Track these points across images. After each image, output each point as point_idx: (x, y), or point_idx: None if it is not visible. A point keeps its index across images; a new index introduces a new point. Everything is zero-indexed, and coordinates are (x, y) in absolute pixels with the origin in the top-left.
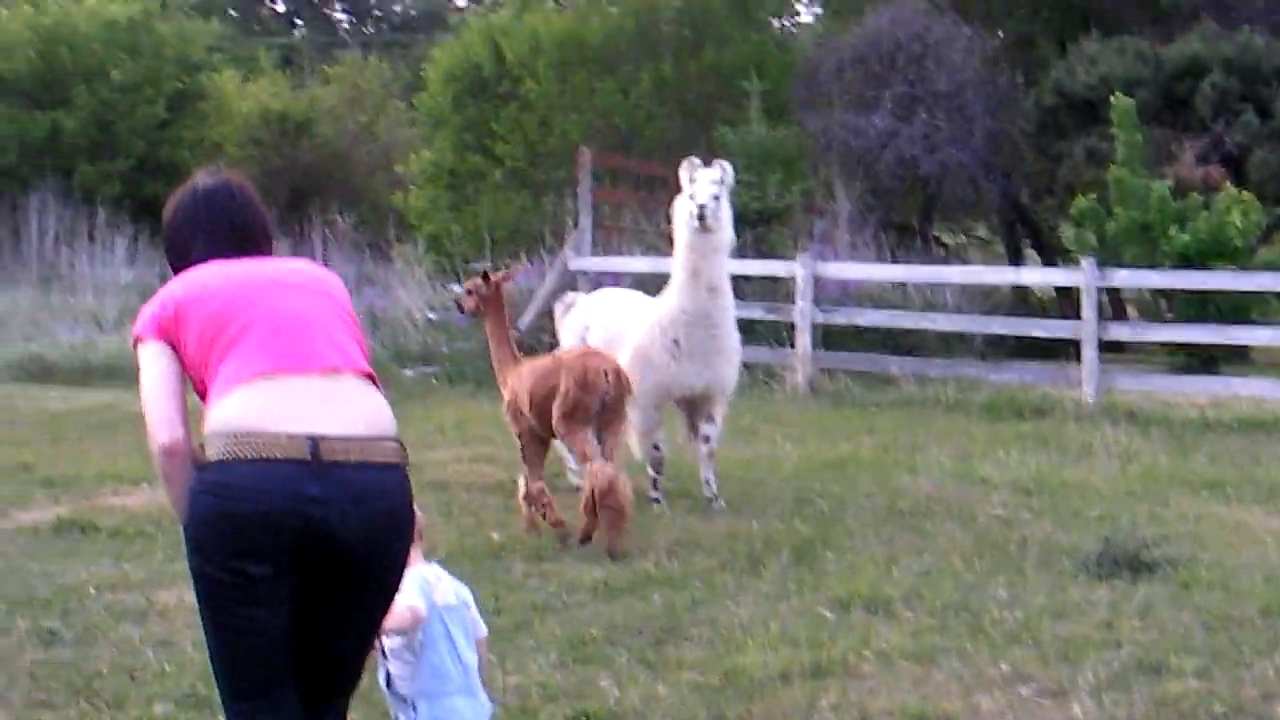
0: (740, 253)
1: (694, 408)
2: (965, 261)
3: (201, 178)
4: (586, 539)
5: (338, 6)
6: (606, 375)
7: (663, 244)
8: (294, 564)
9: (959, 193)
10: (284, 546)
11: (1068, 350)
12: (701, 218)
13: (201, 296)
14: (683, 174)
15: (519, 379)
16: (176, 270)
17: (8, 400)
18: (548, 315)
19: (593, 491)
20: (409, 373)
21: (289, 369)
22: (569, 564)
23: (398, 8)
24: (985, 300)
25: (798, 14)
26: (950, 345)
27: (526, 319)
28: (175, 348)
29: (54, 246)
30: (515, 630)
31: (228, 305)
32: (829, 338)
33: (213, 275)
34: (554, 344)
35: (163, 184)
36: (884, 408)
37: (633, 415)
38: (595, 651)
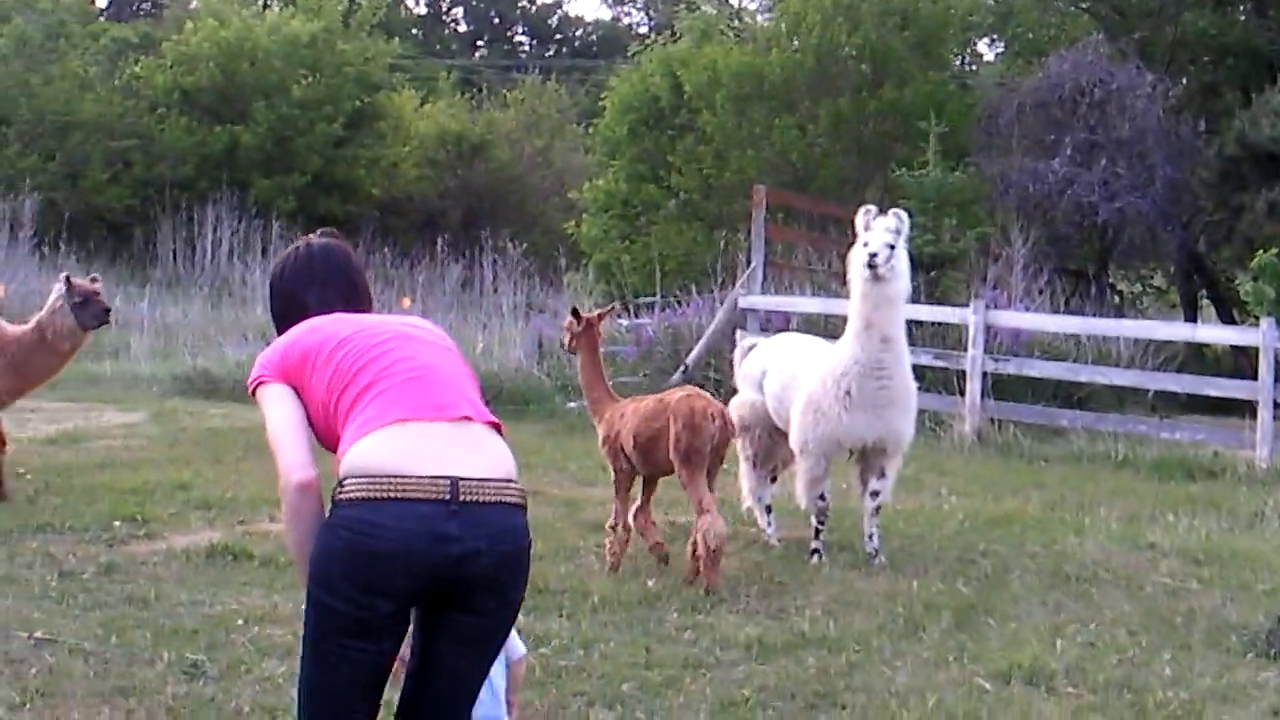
0: (913, 297)
1: (865, 461)
2: (1140, 310)
3: (312, 238)
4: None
5: (520, 29)
6: (713, 418)
7: (834, 284)
8: (416, 601)
9: (1137, 241)
10: (415, 584)
11: (1241, 409)
12: (873, 266)
13: (329, 344)
14: (859, 221)
15: (621, 418)
16: (281, 324)
17: (171, 416)
18: (716, 352)
19: (704, 545)
20: (572, 405)
21: (425, 416)
22: (723, 617)
23: (579, 32)
24: (1160, 353)
25: (980, 54)
26: (1122, 399)
27: (694, 355)
28: (298, 391)
29: (227, 260)
30: (665, 686)
31: (360, 354)
32: (998, 387)
33: (338, 324)
34: (720, 382)
35: (338, 200)
36: (1052, 461)
37: (801, 464)
38: (745, 715)
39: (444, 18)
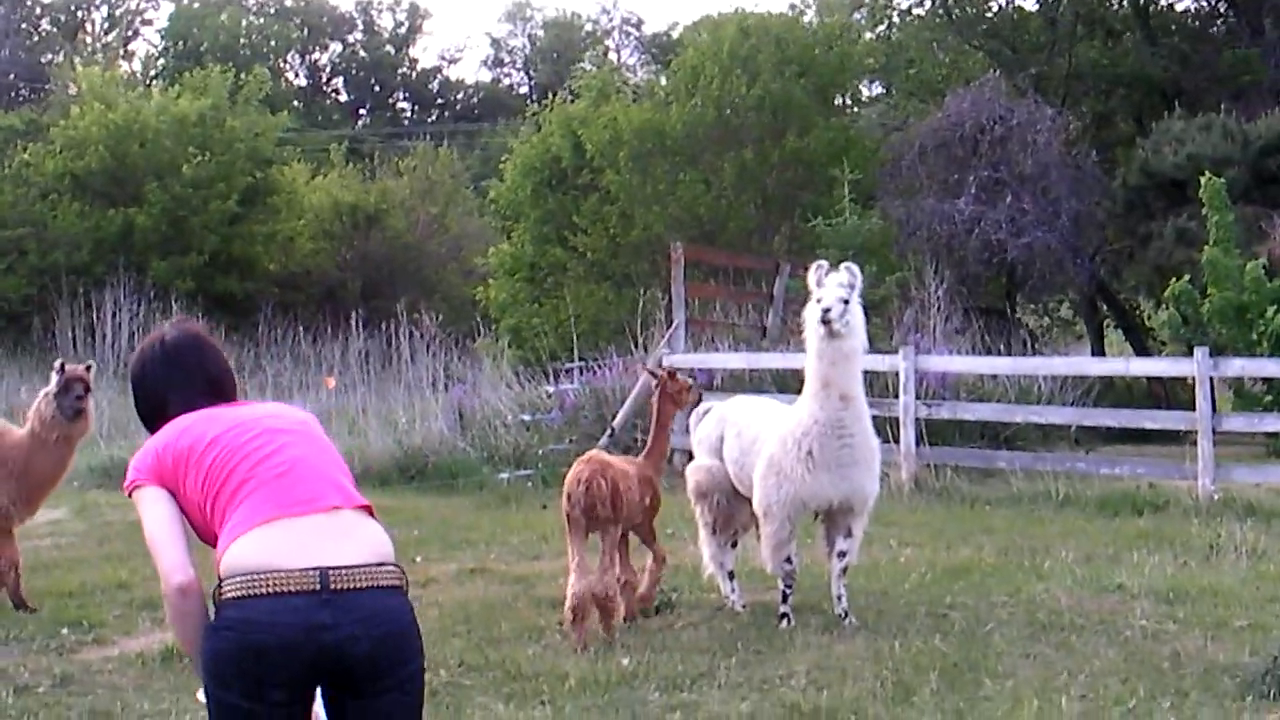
0: None
1: (831, 521)
2: (1048, 344)
3: (167, 330)
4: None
5: (401, 95)
6: (580, 482)
7: (755, 338)
8: (309, 689)
9: (1046, 275)
10: (299, 673)
11: (1165, 438)
12: (828, 322)
13: (199, 445)
14: (810, 278)
15: None
16: (149, 423)
17: (94, 509)
18: (642, 414)
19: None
20: (504, 476)
21: (294, 511)
22: (706, 693)
23: (460, 95)
24: (1077, 386)
25: (860, 97)
26: (1046, 435)
27: (620, 418)
28: (174, 493)
29: (128, 344)
30: None
31: (229, 455)
32: (926, 431)
33: (206, 423)
34: (643, 444)
35: (235, 278)
36: (994, 504)
37: (766, 527)
38: None
39: (324, 88)
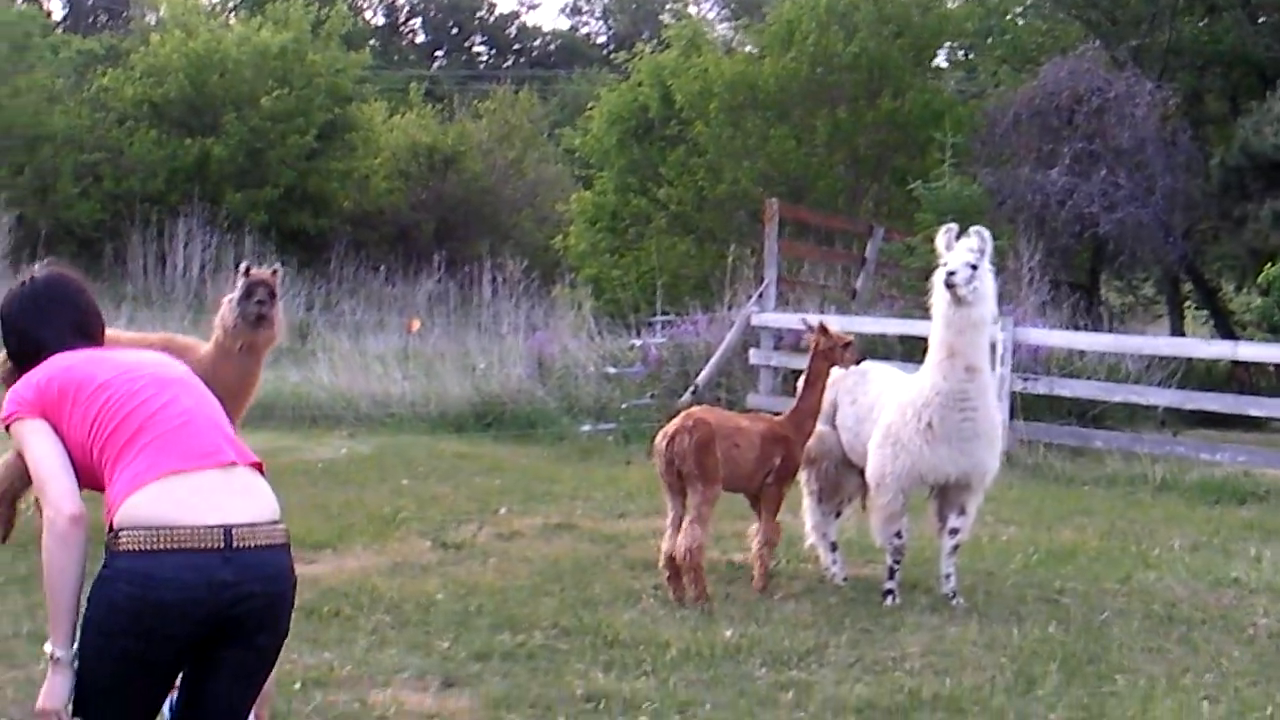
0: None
1: (945, 497)
2: (1125, 322)
3: (38, 270)
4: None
5: (478, 39)
6: (664, 437)
7: (845, 300)
8: (194, 643)
9: (1137, 252)
10: (194, 628)
11: (1248, 424)
12: (952, 286)
13: (87, 385)
14: (939, 241)
15: None
16: (20, 363)
17: None
18: (726, 372)
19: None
20: (585, 428)
21: (194, 465)
22: (816, 673)
23: (537, 42)
24: (1163, 368)
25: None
26: (1133, 415)
27: (704, 374)
28: (55, 427)
29: (199, 275)
30: None
31: (122, 401)
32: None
33: (90, 364)
34: (732, 403)
35: (310, 214)
36: (1091, 486)
37: (878, 499)
38: None
39: (401, 28)
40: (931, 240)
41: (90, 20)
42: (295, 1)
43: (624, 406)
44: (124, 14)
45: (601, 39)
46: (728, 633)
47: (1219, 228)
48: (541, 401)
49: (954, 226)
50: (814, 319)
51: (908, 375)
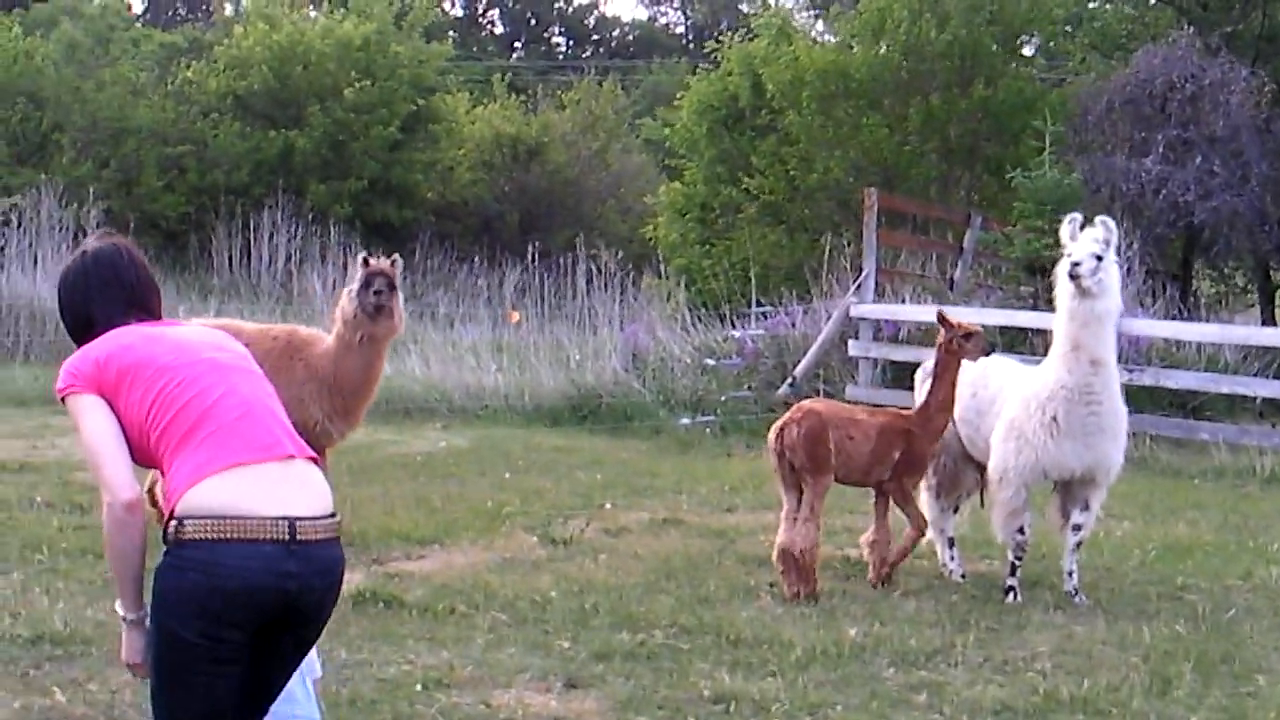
0: (1034, 304)
1: (1069, 492)
2: (1230, 313)
3: (89, 242)
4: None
5: (556, 29)
6: (775, 430)
7: (943, 290)
8: (258, 629)
9: (1234, 241)
10: (258, 616)
11: None
12: (1076, 277)
13: (146, 367)
14: (1063, 232)
15: None
16: (77, 337)
17: None
18: (823, 364)
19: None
20: (684, 421)
21: (256, 458)
22: (945, 673)
23: (615, 32)
24: (1261, 358)
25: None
26: (1232, 407)
27: (802, 366)
28: (111, 405)
29: (285, 267)
30: None
31: (182, 388)
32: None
33: (149, 343)
34: (830, 395)
35: (394, 206)
36: (1199, 479)
37: (1000, 494)
38: None
39: (480, 19)
40: (1031, 230)
41: (170, 13)
42: None
43: (722, 399)
44: (204, 6)
45: (680, 29)
46: (852, 631)
47: None
48: (637, 394)
49: (1078, 217)
50: (945, 311)
51: (1029, 368)
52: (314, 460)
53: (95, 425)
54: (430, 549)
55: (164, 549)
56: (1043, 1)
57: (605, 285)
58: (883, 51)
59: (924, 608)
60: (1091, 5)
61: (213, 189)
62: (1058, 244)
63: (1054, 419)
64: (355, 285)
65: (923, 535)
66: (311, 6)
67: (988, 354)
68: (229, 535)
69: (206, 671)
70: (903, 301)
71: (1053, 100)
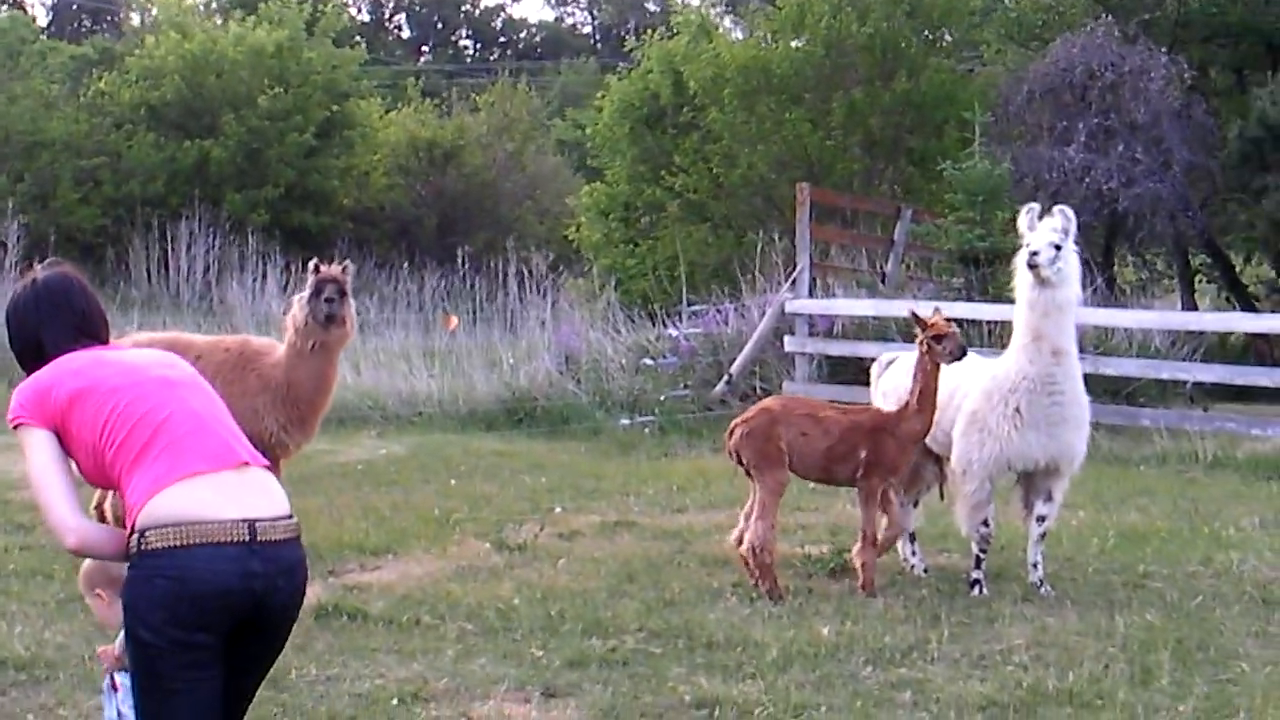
0: (968, 295)
1: (1032, 483)
2: (1144, 297)
3: (39, 271)
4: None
5: (464, 33)
6: (731, 426)
7: (877, 284)
8: (229, 631)
9: (1157, 228)
10: (228, 618)
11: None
12: (1034, 266)
13: (96, 390)
14: (1021, 222)
15: None
16: (26, 364)
17: None
18: (759, 361)
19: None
20: (625, 422)
21: (212, 467)
22: (923, 669)
23: (523, 34)
24: (1187, 344)
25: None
26: (1164, 391)
27: (738, 364)
28: (60, 433)
29: (204, 277)
30: None
31: (133, 406)
32: None
33: (98, 367)
34: (767, 391)
35: (311, 212)
36: (1144, 465)
37: (964, 487)
38: None
39: (387, 24)
40: (963, 221)
41: (75, 25)
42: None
43: (660, 399)
44: (110, 17)
45: (587, 29)
46: (825, 630)
47: (1237, 199)
48: (573, 396)
49: (1035, 206)
50: (916, 307)
51: (988, 360)
52: (268, 468)
53: (40, 460)
54: (384, 559)
55: (129, 564)
56: None
57: (536, 287)
58: (804, 46)
59: (893, 604)
60: None
61: (129, 200)
62: (989, 234)
63: (1017, 410)
64: (306, 292)
65: (873, 544)
66: (221, 15)
67: (959, 358)
68: (192, 541)
69: (185, 679)
70: (835, 296)
71: (973, 91)
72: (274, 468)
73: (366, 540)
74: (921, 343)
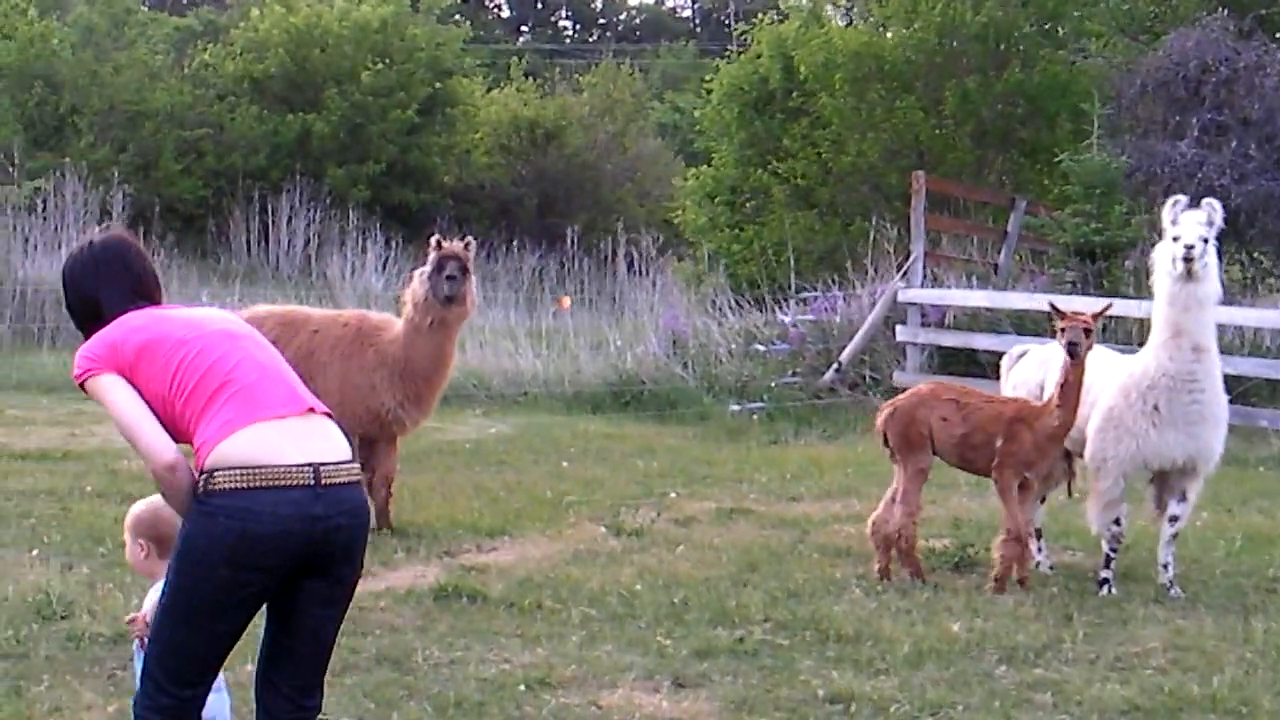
0: (1082, 289)
1: (1166, 483)
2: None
3: (95, 234)
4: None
5: (563, 14)
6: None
7: (990, 275)
8: (284, 574)
9: (1269, 225)
10: (287, 558)
11: None
12: (1189, 260)
13: (164, 342)
14: (1165, 214)
15: None
16: (84, 326)
17: None
18: (869, 349)
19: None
20: (735, 408)
21: (279, 413)
22: (1059, 669)
23: (622, 16)
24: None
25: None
26: (1275, 392)
27: (848, 352)
28: (131, 382)
29: (304, 251)
30: None
31: (202, 355)
32: None
33: (161, 323)
34: (876, 380)
35: (411, 189)
36: (1263, 466)
37: (1097, 484)
38: None
39: (487, 3)
40: (1079, 214)
41: None
42: None
43: (771, 385)
44: None
45: (687, 13)
46: (955, 627)
47: None
48: (680, 380)
49: (1182, 198)
50: (1059, 300)
51: (1124, 356)
52: (329, 415)
53: (122, 401)
54: (500, 540)
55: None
56: None
57: (645, 270)
58: (917, 34)
59: (1022, 601)
60: None
61: (230, 173)
62: (1106, 228)
63: (1155, 408)
64: (428, 268)
65: (1017, 540)
66: None
67: (1072, 353)
68: (257, 484)
69: (217, 617)
70: (948, 286)
71: (1086, 83)
72: (390, 444)
73: (481, 521)
74: (1059, 332)
